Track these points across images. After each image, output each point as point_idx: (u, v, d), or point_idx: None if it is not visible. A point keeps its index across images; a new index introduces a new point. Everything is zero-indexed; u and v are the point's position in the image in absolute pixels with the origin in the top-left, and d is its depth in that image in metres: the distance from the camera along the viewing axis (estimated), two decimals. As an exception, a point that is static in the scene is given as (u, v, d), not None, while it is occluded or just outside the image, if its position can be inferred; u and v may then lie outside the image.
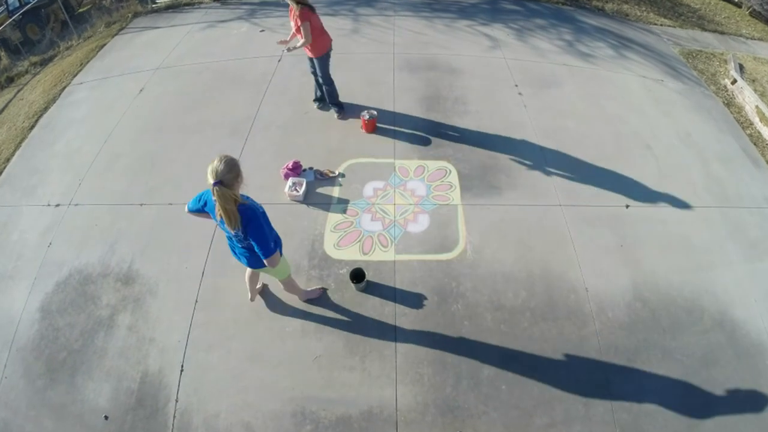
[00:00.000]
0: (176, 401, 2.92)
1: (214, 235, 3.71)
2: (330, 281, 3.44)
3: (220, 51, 6.02)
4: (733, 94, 5.90)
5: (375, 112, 4.58)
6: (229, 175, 2.07)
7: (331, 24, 6.60)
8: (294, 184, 4.00)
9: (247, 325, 3.22)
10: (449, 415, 2.85)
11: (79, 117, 5.14)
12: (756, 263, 3.71)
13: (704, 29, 7.87)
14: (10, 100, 5.92)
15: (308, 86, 5.27)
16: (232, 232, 2.25)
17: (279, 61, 5.71)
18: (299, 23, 3.90)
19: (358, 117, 4.59)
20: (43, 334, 3.28)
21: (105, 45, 6.60)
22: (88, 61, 6.22)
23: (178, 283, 3.46)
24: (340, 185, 4.14)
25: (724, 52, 7.04)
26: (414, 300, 3.35)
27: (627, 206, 4.05)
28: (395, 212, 3.92)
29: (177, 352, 3.11)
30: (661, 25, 7.74)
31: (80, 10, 8.96)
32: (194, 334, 3.19)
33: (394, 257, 3.58)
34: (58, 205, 4.09)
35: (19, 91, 6.10)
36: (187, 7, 7.43)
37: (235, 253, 2.61)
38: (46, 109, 5.39)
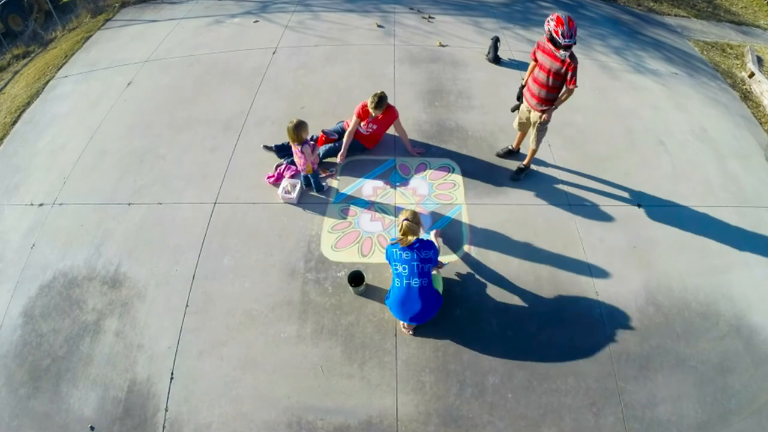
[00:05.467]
0: (166, 411, 2.91)
1: (206, 236, 3.71)
2: (327, 285, 3.44)
3: (212, 43, 6.01)
4: (750, 88, 5.90)
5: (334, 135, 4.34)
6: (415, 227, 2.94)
7: (327, 15, 6.62)
8: (287, 185, 3.96)
9: (240, 330, 3.22)
10: (452, 425, 2.84)
11: (64, 112, 5.14)
12: (775, 265, 3.71)
13: (720, 20, 7.87)
14: (-8, 95, 5.91)
15: (304, 80, 5.28)
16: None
17: (274, 53, 5.71)
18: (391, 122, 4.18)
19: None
20: (26, 340, 3.28)
21: (91, 36, 6.59)
22: (73, 54, 6.22)
23: (167, 286, 3.46)
24: (338, 183, 4.13)
25: (741, 43, 7.03)
26: (415, 304, 3.34)
27: (639, 205, 4.05)
28: (396, 212, 3.91)
29: (166, 359, 3.11)
30: (675, 15, 7.74)
31: (65, 0, 8.94)
32: (184, 340, 3.18)
33: (394, 259, 3.58)
34: (41, 205, 4.09)
35: (2, 86, 6.10)
36: (177, -3, 7.42)
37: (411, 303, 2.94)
38: (29, 103, 5.38)
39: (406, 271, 2.87)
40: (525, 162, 4.15)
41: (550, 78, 3.40)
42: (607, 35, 6.56)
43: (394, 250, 2.93)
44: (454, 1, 7.08)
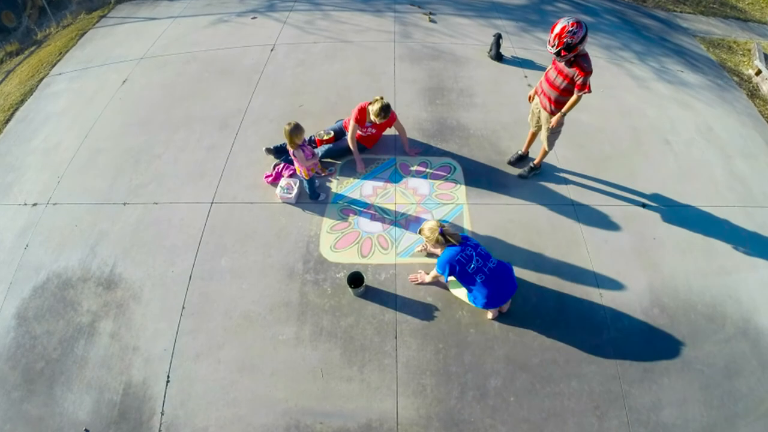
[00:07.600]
0: (162, 414, 2.92)
1: (202, 236, 3.72)
2: (326, 286, 3.44)
3: (209, 39, 6.02)
4: (757, 86, 5.91)
5: (331, 132, 4.35)
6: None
7: (327, 11, 6.63)
8: (285, 186, 3.96)
9: (238, 332, 3.22)
10: (454, 429, 2.85)
11: (58, 110, 5.14)
12: (782, 266, 3.71)
13: (726, 16, 7.89)
14: (-15, 92, 5.91)
15: (302, 77, 5.29)
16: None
17: (272, 50, 5.71)
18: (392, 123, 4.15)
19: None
20: (20, 342, 3.28)
21: (86, 33, 6.59)
22: (67, 51, 6.22)
23: (163, 287, 3.46)
24: (338, 183, 4.14)
25: (748, 40, 7.04)
26: (416, 306, 3.34)
27: (644, 205, 4.05)
28: (396, 212, 3.92)
29: (162, 362, 3.11)
30: (681, 12, 7.75)
31: (59, -4, 8.94)
32: (181, 343, 3.19)
33: (394, 260, 3.58)
34: (35, 205, 4.09)
35: (-7, 83, 6.10)
36: (173, -7, 7.43)
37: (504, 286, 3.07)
38: (22, 101, 5.38)
39: (480, 261, 2.90)
40: (536, 161, 4.14)
41: (561, 78, 3.35)
42: (612, 32, 6.56)
43: (456, 258, 2.86)
44: (456, -2, 7.10)
